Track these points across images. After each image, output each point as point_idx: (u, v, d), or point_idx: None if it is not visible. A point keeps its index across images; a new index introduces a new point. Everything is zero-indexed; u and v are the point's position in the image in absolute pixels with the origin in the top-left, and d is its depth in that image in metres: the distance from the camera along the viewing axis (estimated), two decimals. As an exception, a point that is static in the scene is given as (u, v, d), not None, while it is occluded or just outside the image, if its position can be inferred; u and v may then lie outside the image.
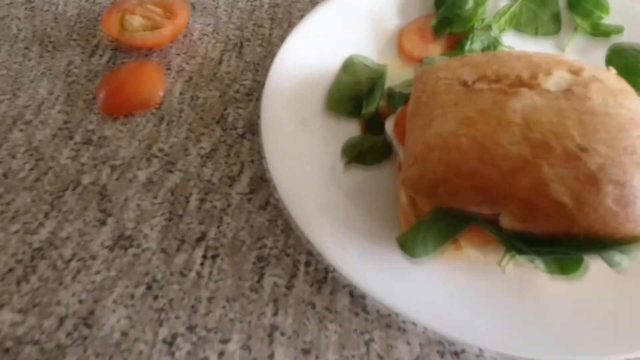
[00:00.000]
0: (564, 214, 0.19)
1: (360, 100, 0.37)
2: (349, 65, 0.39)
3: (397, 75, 0.39)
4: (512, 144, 0.20)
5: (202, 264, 0.31)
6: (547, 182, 0.19)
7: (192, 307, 0.29)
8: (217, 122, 0.39)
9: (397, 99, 0.35)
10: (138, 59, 0.43)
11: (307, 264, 0.31)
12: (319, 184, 0.32)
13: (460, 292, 0.27)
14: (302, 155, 0.33)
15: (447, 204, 0.22)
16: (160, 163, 0.36)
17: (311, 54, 0.39)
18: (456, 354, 0.27)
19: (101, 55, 0.44)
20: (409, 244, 0.23)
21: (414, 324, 0.28)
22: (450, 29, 0.40)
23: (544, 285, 0.27)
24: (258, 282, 0.30)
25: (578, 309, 0.25)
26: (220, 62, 0.43)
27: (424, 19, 0.42)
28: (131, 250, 0.32)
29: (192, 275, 0.30)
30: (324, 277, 0.30)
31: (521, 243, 0.22)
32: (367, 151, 0.34)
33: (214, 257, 0.31)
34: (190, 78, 0.42)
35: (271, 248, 0.32)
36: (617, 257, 0.21)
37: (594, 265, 0.22)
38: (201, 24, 0.47)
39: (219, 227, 0.33)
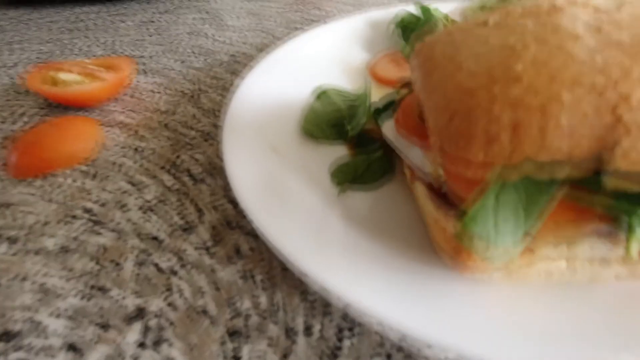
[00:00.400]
0: None
1: (341, 125, 0.31)
2: (321, 95, 0.34)
3: (377, 99, 0.34)
4: (592, 52, 0.13)
5: (136, 358, 0.19)
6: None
7: None
8: (167, 170, 0.30)
9: (384, 113, 0.29)
10: (65, 115, 0.36)
11: (308, 330, 0.20)
12: (310, 213, 0.23)
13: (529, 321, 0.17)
14: (281, 184, 0.25)
15: (519, 165, 0.14)
16: (82, 225, 0.26)
17: (275, 87, 0.34)
18: None
19: (26, 122, 0.36)
20: (483, 230, 0.14)
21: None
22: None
23: None
24: (231, 372, 0.18)
25: None
26: (173, 113, 0.37)
27: (392, 53, 0.40)
28: (15, 356, 0.19)
29: (118, 380, 0.18)
30: (337, 347, 0.19)
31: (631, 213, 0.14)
32: (364, 172, 0.26)
33: (157, 343, 0.20)
34: (135, 132, 0.35)
35: (248, 315, 0.20)
36: None
37: None
38: (151, 83, 0.42)
39: (166, 296, 0.22)
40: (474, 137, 0.14)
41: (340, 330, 0.19)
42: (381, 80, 0.37)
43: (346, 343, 0.19)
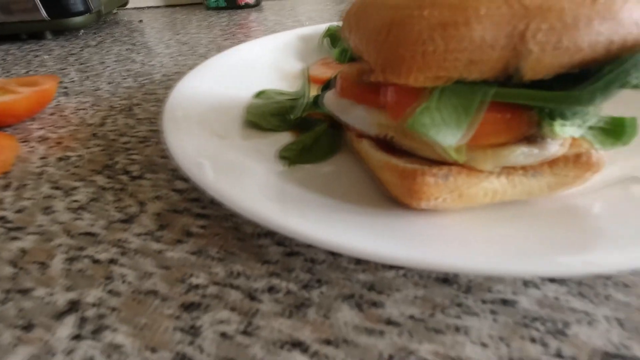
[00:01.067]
0: (598, 10, 0.14)
1: (283, 115, 0.32)
2: (261, 94, 0.35)
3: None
4: None
5: (70, 353, 0.16)
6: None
7: None
8: (100, 173, 0.28)
9: (324, 92, 0.31)
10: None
11: (272, 289, 0.18)
12: (262, 179, 0.23)
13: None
14: (230, 161, 0.24)
15: (454, 63, 0.15)
16: (-3, 233, 0.22)
17: (214, 89, 0.34)
18: (561, 333, 0.16)
19: None
20: (429, 125, 0.14)
21: (474, 315, 0.17)
22: (349, 56, 0.41)
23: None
24: (191, 343, 0.16)
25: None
26: (102, 124, 0.35)
27: (325, 58, 0.43)
28: None
29: (48, 377, 0.15)
30: (307, 297, 0.18)
31: (572, 96, 0.16)
32: (313, 146, 0.27)
33: (97, 331, 0.17)
34: (59, 143, 0.32)
35: (205, 286, 0.19)
36: None
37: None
38: (75, 102, 0.39)
39: (105, 285, 0.19)
40: (411, 42, 0.16)
41: (306, 284, 0.18)
42: (317, 81, 0.39)
43: (314, 293, 0.18)
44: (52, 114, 0.37)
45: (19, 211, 0.24)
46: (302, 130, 0.30)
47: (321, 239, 0.17)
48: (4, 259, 0.21)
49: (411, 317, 0.17)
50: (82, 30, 0.67)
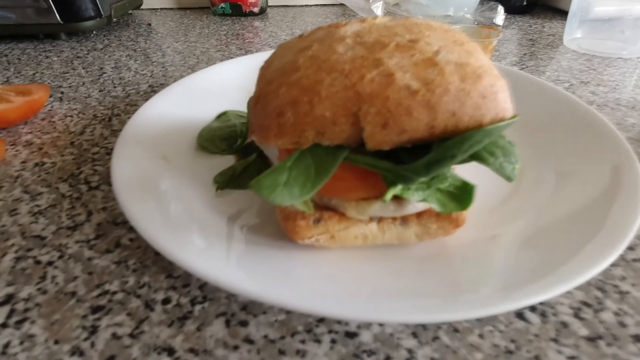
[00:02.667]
0: (420, 100, 0.17)
1: (233, 139, 0.35)
2: (221, 116, 0.39)
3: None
4: (348, 49, 0.19)
5: (-5, 336, 0.20)
6: (391, 71, 0.18)
7: (-44, 403, 0.17)
8: (65, 180, 0.32)
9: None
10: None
11: (166, 301, 0.22)
12: (188, 208, 0.26)
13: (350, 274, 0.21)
14: (165, 185, 0.28)
15: (302, 133, 0.19)
16: (-32, 229, 0.27)
17: (180, 110, 0.38)
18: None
19: None
20: (267, 186, 0.18)
21: (317, 342, 0.20)
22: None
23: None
24: (87, 339, 0.20)
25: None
26: (82, 133, 0.40)
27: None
28: None
29: (-27, 354, 0.19)
30: (189, 311, 0.22)
31: (401, 167, 0.19)
32: (241, 174, 0.30)
33: (20, 322, 0.21)
34: (40, 149, 0.37)
35: (114, 293, 0.23)
36: (507, 165, 0.19)
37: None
38: (66, 109, 0.44)
39: (39, 283, 0.23)
40: (269, 114, 0.19)
41: (194, 299, 0.22)
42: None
43: (197, 308, 0.22)
44: (43, 119, 0.42)
45: (-10, 211, 0.29)
46: (244, 155, 0.34)
47: (200, 272, 0.20)
48: (-33, 253, 0.25)
49: (265, 337, 0.20)
50: (94, 32, 0.73)
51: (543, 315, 0.21)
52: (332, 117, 0.18)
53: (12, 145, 0.37)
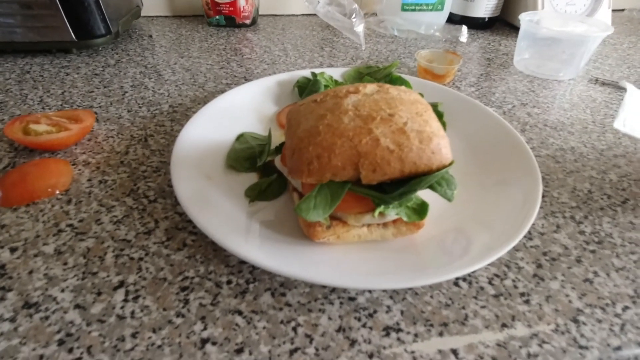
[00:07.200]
0: (395, 156, 0.29)
1: (254, 159, 0.46)
2: (240, 138, 0.49)
3: (278, 141, 0.50)
4: (351, 120, 0.30)
5: (122, 307, 0.31)
6: (378, 137, 0.29)
7: (115, 346, 0.28)
8: (128, 195, 0.43)
9: (279, 150, 0.45)
10: (42, 157, 0.46)
11: (229, 282, 0.34)
12: (231, 213, 0.37)
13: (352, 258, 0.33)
14: (213, 199, 0.39)
15: (324, 175, 0.30)
16: (69, 236, 0.37)
17: (207, 132, 0.48)
18: (370, 315, 0.31)
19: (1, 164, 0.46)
20: (305, 209, 0.30)
21: (331, 304, 0.32)
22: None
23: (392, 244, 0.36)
24: (184, 307, 0.31)
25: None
26: (126, 153, 0.49)
27: (292, 105, 0.57)
28: (37, 315, 0.30)
29: (112, 319, 0.30)
30: (246, 288, 0.33)
31: (384, 195, 0.31)
32: (266, 189, 0.42)
33: (136, 298, 0.32)
34: (98, 168, 0.46)
35: (193, 278, 0.34)
36: (448, 192, 0.31)
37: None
38: (105, 129, 0.53)
39: (138, 273, 0.34)
40: (302, 162, 0.31)
41: (247, 280, 0.34)
42: (282, 125, 0.53)
43: (251, 285, 0.33)
44: (89, 140, 0.51)
45: (80, 221, 0.39)
46: (265, 172, 0.45)
47: (247, 256, 0.31)
48: (77, 253, 0.36)
49: (298, 302, 0.32)
50: (101, 47, 0.79)
51: (469, 283, 0.34)
52: (342, 165, 0.30)
53: (73, 165, 0.47)
